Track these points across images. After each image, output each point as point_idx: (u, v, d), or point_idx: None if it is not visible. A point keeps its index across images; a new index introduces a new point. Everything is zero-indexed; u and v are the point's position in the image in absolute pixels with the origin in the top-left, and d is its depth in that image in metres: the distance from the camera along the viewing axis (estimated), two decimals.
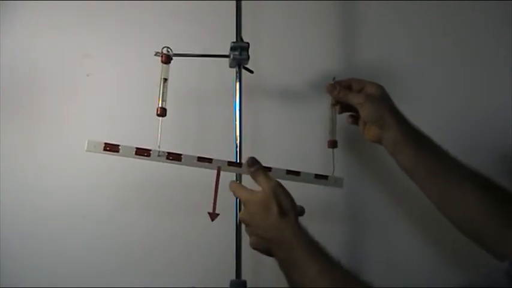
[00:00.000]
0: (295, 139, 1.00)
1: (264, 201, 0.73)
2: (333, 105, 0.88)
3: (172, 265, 0.97)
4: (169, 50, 0.84)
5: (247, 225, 0.76)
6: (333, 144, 0.89)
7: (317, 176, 0.86)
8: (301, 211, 0.75)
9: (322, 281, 0.66)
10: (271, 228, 0.72)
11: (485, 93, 1.04)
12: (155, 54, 0.84)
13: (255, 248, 0.76)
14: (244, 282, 0.85)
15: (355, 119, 0.87)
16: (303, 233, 0.71)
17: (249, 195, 0.76)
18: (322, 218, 0.98)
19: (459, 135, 1.00)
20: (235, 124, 0.87)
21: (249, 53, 0.86)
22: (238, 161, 0.86)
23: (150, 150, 0.80)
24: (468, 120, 1.03)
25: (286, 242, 0.70)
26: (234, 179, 0.85)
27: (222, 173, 0.81)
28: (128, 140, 0.80)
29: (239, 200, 0.84)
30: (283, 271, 0.71)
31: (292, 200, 0.74)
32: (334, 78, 0.87)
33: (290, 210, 0.72)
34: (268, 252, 0.74)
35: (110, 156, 0.79)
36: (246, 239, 0.86)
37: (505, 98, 1.03)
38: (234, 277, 0.86)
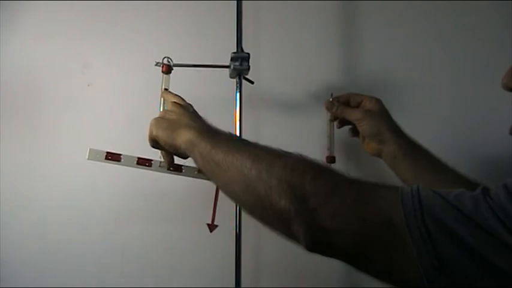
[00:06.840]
0: (295, 150, 1.00)
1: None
2: (331, 121, 0.89)
3: (172, 274, 0.97)
4: (169, 60, 0.85)
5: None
6: (330, 159, 0.90)
7: None
8: None
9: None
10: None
11: (486, 100, 1.03)
12: (156, 65, 0.84)
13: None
14: None
15: (356, 131, 0.87)
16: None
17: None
18: None
19: (459, 143, 1.01)
20: (236, 134, 0.87)
21: (250, 63, 0.86)
22: None
23: (151, 160, 0.80)
24: (468, 128, 1.03)
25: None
26: None
27: None
28: (128, 149, 0.81)
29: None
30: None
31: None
32: (332, 94, 0.88)
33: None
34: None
35: (112, 166, 0.79)
36: (245, 248, 0.88)
37: (506, 105, 1.02)
38: (233, 285, 0.86)
